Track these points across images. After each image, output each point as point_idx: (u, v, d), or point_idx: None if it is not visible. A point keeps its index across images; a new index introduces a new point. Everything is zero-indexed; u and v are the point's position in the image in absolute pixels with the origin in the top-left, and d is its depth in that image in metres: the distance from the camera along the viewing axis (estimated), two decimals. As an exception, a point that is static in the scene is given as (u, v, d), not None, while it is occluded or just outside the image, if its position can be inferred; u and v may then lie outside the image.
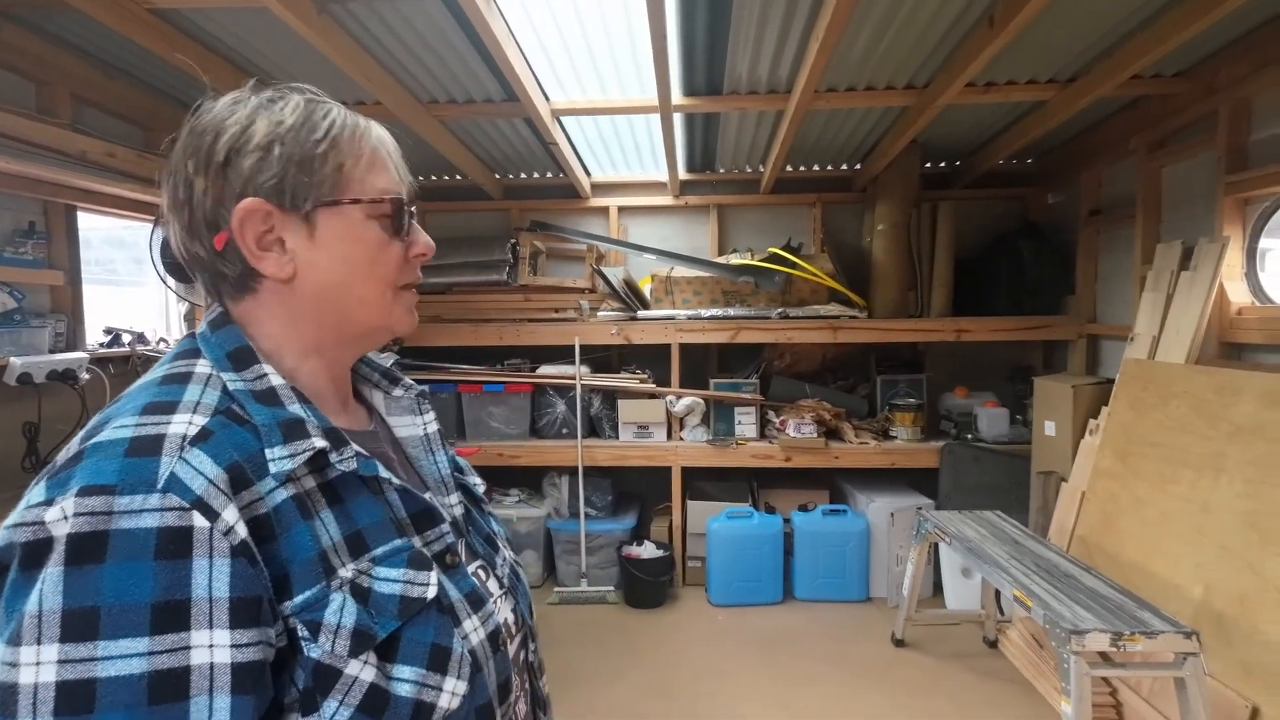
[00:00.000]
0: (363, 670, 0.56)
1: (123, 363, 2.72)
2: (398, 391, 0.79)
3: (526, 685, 0.76)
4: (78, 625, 0.47)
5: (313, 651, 0.55)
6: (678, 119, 3.19)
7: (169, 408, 0.57)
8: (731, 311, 3.83)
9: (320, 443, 0.60)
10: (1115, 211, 3.40)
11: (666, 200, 4.27)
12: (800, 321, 3.74)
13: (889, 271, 3.81)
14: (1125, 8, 2.24)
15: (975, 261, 3.95)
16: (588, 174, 4.15)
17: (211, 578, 0.51)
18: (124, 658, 0.48)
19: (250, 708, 0.51)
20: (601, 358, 4.09)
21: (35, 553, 0.49)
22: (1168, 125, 2.93)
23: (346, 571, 0.59)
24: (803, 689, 2.80)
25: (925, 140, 3.59)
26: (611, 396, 3.90)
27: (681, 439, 3.85)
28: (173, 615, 0.49)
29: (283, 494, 0.58)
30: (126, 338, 2.76)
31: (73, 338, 2.52)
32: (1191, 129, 2.84)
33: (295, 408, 0.62)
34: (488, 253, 3.96)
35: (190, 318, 3.10)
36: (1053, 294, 3.77)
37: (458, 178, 4.20)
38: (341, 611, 0.57)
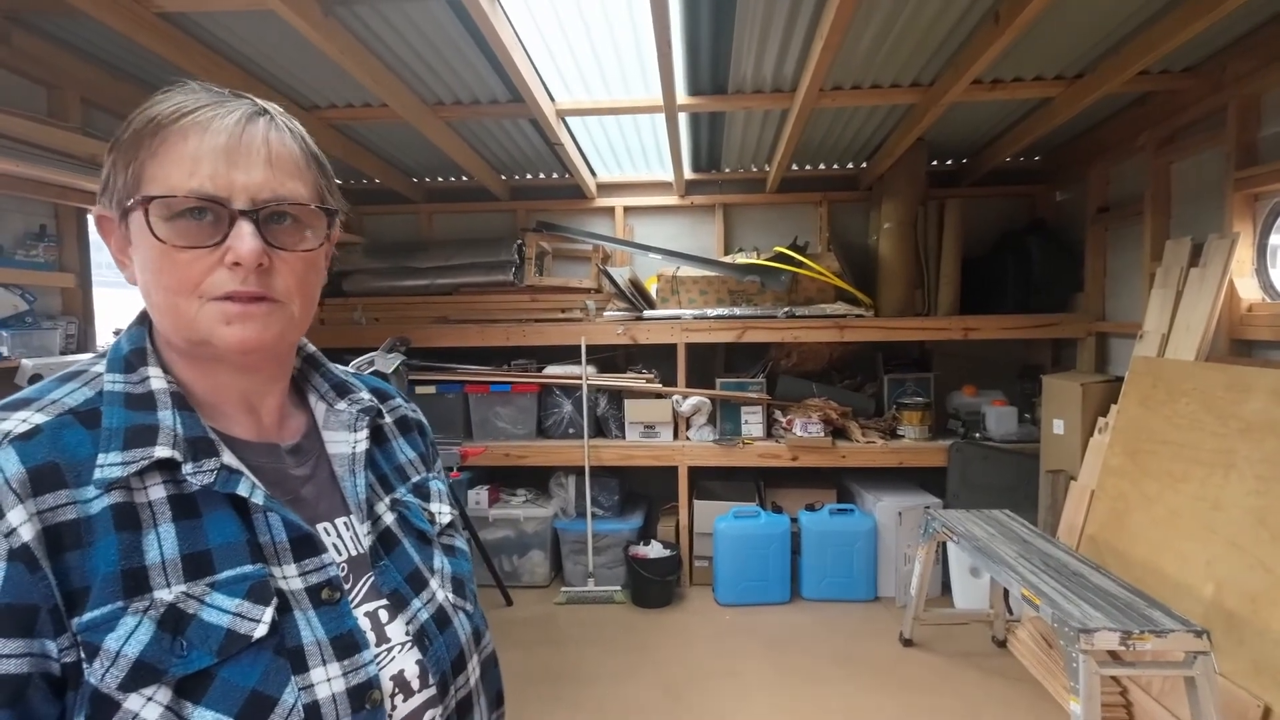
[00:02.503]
0: (145, 707, 0.51)
1: (133, 364, 2.74)
2: (340, 405, 0.73)
3: None
4: None
5: (90, 677, 0.51)
6: (683, 119, 3.19)
7: (22, 404, 0.57)
8: (738, 311, 3.82)
9: (163, 453, 0.57)
10: (1124, 208, 3.38)
11: (672, 200, 4.27)
12: (806, 321, 3.74)
13: (895, 270, 3.80)
14: (1132, 3, 2.22)
15: (982, 259, 3.94)
16: (593, 174, 4.16)
17: None
18: None
19: None
20: (608, 358, 4.10)
21: None
22: (1176, 121, 2.91)
23: (167, 594, 0.54)
24: (810, 688, 2.80)
25: (931, 138, 3.58)
26: (618, 396, 3.90)
27: (688, 438, 3.85)
28: None
29: (104, 502, 0.54)
30: (136, 339, 2.78)
31: (83, 339, 2.55)
32: (1200, 125, 2.82)
33: (164, 414, 0.59)
34: (494, 253, 3.97)
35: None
36: (1061, 292, 3.75)
37: (464, 179, 4.21)
38: (128, 638, 0.52)
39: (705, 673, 2.93)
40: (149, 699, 0.51)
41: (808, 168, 4.14)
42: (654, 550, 3.66)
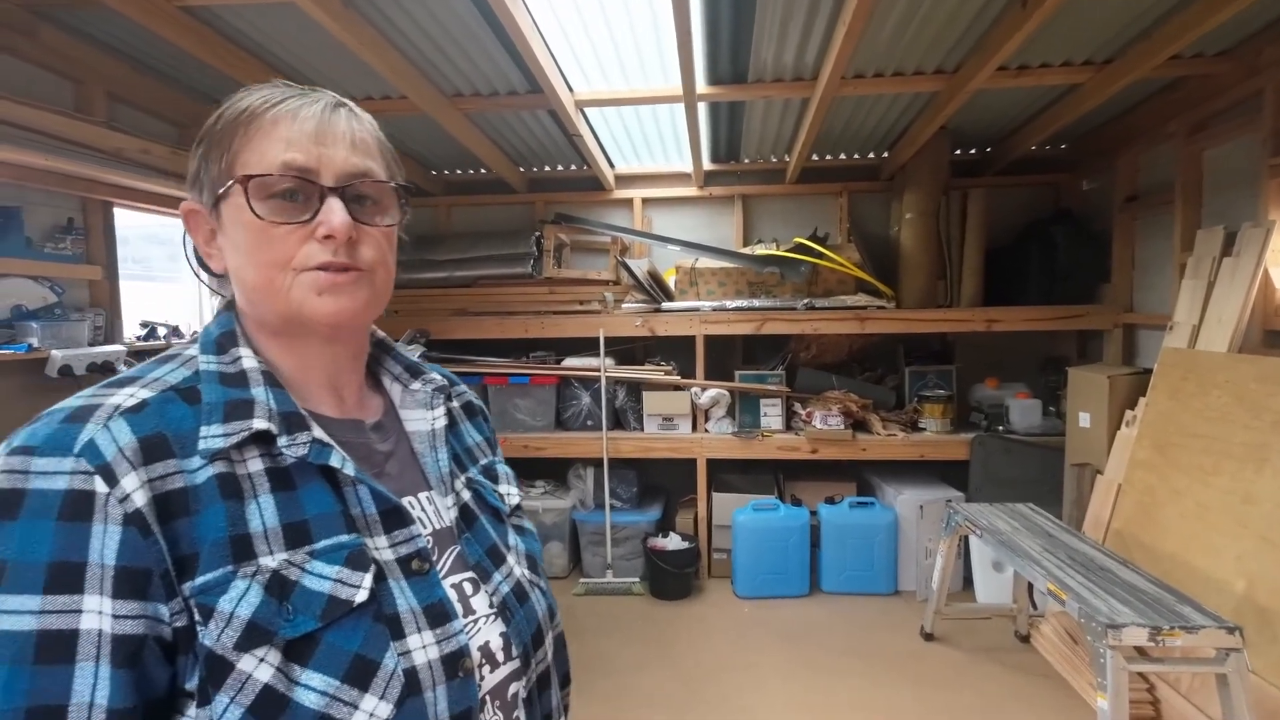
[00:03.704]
0: (258, 668, 0.53)
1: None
2: (415, 385, 0.76)
3: None
4: None
5: (204, 638, 0.53)
6: (702, 108, 3.17)
7: (128, 381, 0.59)
8: (757, 303, 3.80)
9: (260, 425, 0.59)
10: (1153, 197, 3.30)
11: (691, 191, 4.25)
12: (826, 312, 3.70)
13: (917, 261, 3.75)
14: (1165, -15, 2.17)
15: (1006, 250, 3.87)
16: (611, 166, 4.15)
17: (104, 543, 0.51)
18: (15, 614, 0.49)
19: (129, 682, 0.51)
20: (626, 350, 4.09)
21: None
22: (1209, 107, 2.84)
23: (272, 560, 0.56)
24: (829, 681, 2.78)
25: (955, 127, 3.52)
26: (636, 388, 3.90)
27: (707, 431, 3.83)
28: (67, 577, 0.50)
29: (209, 472, 0.57)
30: (162, 331, 2.82)
31: (110, 331, 2.58)
32: (1234, 110, 2.75)
33: (257, 390, 0.62)
34: (512, 246, 3.98)
35: (223, 311, 3.15)
36: (1087, 282, 3.68)
37: (482, 171, 4.21)
38: (240, 600, 0.54)
39: (723, 665, 2.93)
40: (261, 660, 0.53)
41: (828, 158, 4.10)
42: (672, 542, 3.66)
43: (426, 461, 0.72)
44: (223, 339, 0.65)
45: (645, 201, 4.30)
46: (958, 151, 3.96)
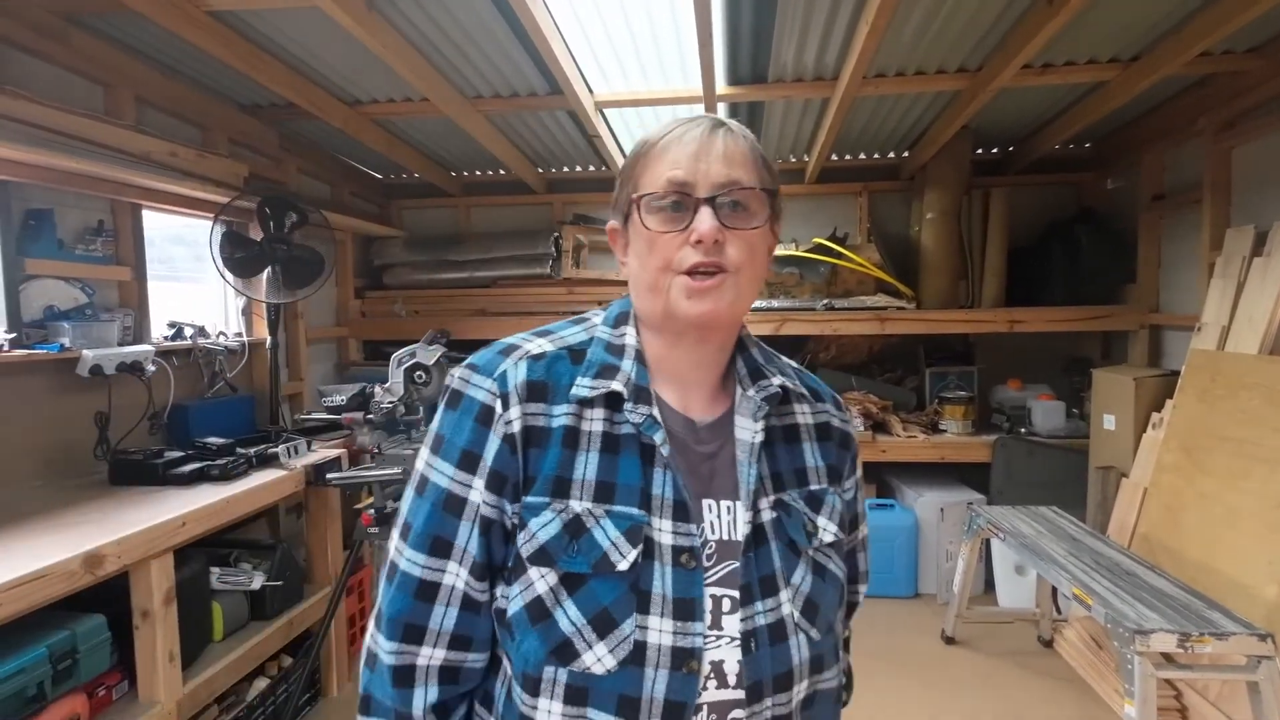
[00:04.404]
0: (539, 580, 0.68)
1: (185, 355, 2.81)
2: (750, 391, 0.78)
3: None
4: (436, 442, 0.75)
5: (517, 540, 0.70)
6: (721, 109, 3.16)
7: (542, 334, 0.79)
8: (775, 303, 3.78)
9: (617, 387, 0.72)
10: (1180, 195, 3.25)
11: (709, 191, 4.23)
12: (846, 313, 3.68)
13: (938, 261, 3.72)
14: (1195, -20, 2.13)
15: (1028, 250, 3.83)
16: (630, 166, 4.14)
17: (491, 447, 0.72)
18: (440, 473, 0.73)
19: (485, 545, 0.71)
20: (644, 350, 4.09)
21: (443, 393, 0.76)
22: (1239, 104, 2.79)
23: (579, 506, 0.70)
24: (850, 684, 2.76)
25: (977, 126, 3.49)
26: (654, 389, 3.89)
27: (725, 432, 3.82)
28: (470, 460, 0.72)
29: (564, 421, 0.72)
30: (189, 331, 2.85)
31: (139, 331, 2.62)
32: (1265, 107, 2.70)
33: (627, 363, 0.75)
34: (531, 246, 3.99)
35: (248, 311, 3.18)
36: (1111, 283, 3.63)
37: (501, 172, 4.23)
38: (543, 527, 0.69)
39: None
40: (542, 576, 0.69)
41: (848, 157, 4.08)
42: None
43: (742, 471, 0.75)
44: (620, 316, 0.80)
45: (663, 202, 4.29)
46: (979, 151, 3.92)
